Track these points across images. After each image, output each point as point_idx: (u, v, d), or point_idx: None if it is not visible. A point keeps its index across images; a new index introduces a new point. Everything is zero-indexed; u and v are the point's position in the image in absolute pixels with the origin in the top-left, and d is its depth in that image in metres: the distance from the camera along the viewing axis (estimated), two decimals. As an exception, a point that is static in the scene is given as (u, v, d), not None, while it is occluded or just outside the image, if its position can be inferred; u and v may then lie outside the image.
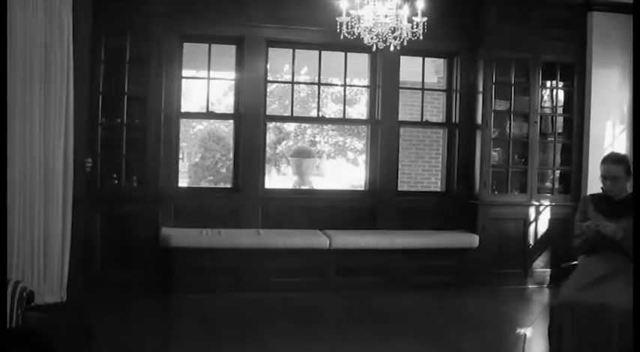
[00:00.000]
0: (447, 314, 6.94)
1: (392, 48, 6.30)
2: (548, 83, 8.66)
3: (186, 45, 7.77)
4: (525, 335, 4.51)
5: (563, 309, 4.59)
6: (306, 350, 5.62)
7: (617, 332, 4.34)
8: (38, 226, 5.69)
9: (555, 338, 4.66)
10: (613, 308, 4.37)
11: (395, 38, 6.18)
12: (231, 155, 8.33)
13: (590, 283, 4.64)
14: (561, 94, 8.75)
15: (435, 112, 11.45)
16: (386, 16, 6.07)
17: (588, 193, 5.86)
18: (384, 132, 8.25)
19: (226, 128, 15.97)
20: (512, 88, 8.35)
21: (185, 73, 8.07)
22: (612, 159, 4.81)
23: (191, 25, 7.58)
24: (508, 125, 8.37)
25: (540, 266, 8.35)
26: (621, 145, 8.34)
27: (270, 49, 8.07)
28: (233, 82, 8.22)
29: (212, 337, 5.64)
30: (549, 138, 8.66)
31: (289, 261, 7.43)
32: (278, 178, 17.57)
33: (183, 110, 8.02)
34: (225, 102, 15.31)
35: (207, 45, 7.90)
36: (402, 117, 8.68)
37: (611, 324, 4.36)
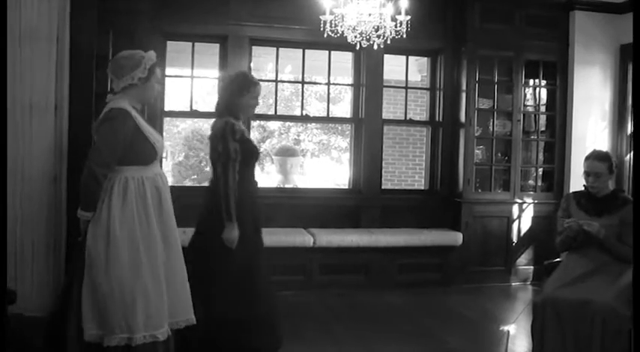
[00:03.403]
0: (430, 312, 6.95)
1: (375, 46, 6.32)
2: (531, 81, 8.70)
3: (169, 43, 7.74)
4: (509, 332, 4.54)
5: (546, 306, 4.63)
6: (290, 349, 5.60)
7: (600, 328, 4.38)
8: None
9: (538, 335, 4.70)
10: (595, 305, 4.41)
11: (378, 36, 6.20)
12: (215, 154, 8.30)
13: (572, 280, 4.68)
14: (544, 92, 8.80)
15: (419, 111, 11.49)
16: (369, 15, 6.08)
17: (571, 191, 5.89)
18: (367, 131, 8.26)
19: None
20: (496, 86, 8.39)
21: (168, 71, 8.03)
22: (595, 156, 4.86)
23: (174, 24, 7.55)
24: (491, 123, 8.41)
25: (523, 264, 8.40)
26: (603, 143, 8.40)
27: (253, 47, 8.05)
28: (217, 81, 8.20)
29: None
30: (532, 136, 8.71)
31: (273, 260, 7.38)
32: (262, 177, 17.55)
33: (166, 109, 7.98)
34: (208, 101, 15.25)
35: (190, 43, 7.88)
36: (385, 115, 8.70)
37: (594, 321, 4.40)
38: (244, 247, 4.86)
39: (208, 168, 15.90)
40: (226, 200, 4.74)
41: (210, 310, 4.68)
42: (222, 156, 4.76)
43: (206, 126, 16.36)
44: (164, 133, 7.84)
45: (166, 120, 8.95)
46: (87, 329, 4.02)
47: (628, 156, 8.42)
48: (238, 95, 4.93)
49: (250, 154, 4.95)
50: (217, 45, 7.96)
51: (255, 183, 5.13)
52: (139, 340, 4.04)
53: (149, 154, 4.27)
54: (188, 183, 15.98)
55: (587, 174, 4.87)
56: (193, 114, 9.27)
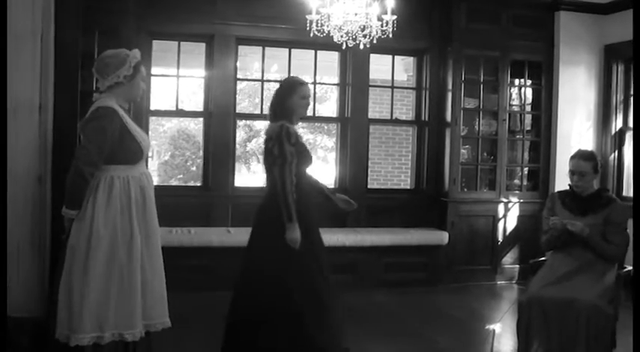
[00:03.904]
0: (417, 311, 6.97)
1: (362, 46, 6.33)
2: (517, 81, 8.74)
3: (155, 42, 7.72)
4: (494, 330, 4.56)
5: (532, 305, 4.65)
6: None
7: (584, 326, 4.41)
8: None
9: (524, 334, 4.73)
10: (580, 303, 4.44)
11: (364, 36, 6.20)
12: (201, 153, 8.29)
13: (557, 279, 4.72)
14: (529, 92, 8.84)
15: (405, 110, 11.51)
16: (356, 14, 6.09)
17: (556, 190, 5.92)
18: (353, 130, 8.27)
19: (196, 126, 15.89)
20: (481, 86, 8.41)
21: (154, 70, 8.01)
22: (580, 156, 4.89)
23: (160, 23, 7.53)
24: (477, 123, 8.43)
25: (509, 263, 8.43)
26: (588, 142, 8.45)
27: (240, 46, 8.05)
28: (203, 80, 8.19)
29: (181, 336, 5.60)
30: (518, 136, 8.74)
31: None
32: (248, 176, 17.52)
33: (152, 108, 7.96)
34: (195, 100, 15.22)
35: (176, 42, 7.86)
36: (371, 115, 8.71)
37: (579, 319, 4.43)
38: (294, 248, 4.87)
39: (194, 168, 15.89)
40: (285, 202, 4.77)
41: (267, 309, 4.76)
42: (278, 159, 4.80)
43: (192, 125, 16.35)
44: (150, 132, 7.80)
45: (152, 119, 8.92)
46: (59, 327, 4.04)
47: (612, 155, 8.47)
48: (287, 97, 4.98)
49: (304, 158, 5.02)
50: (203, 44, 7.95)
51: (308, 185, 5.17)
52: (108, 339, 4.05)
53: (135, 154, 4.27)
54: (174, 183, 15.94)
55: (572, 173, 4.89)
56: (179, 113, 9.28)
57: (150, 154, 4.70)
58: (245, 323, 4.82)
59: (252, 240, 5.12)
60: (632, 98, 7.01)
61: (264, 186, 5.26)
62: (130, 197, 4.20)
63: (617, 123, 8.48)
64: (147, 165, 4.62)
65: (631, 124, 8.45)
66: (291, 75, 6.08)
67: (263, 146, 5.10)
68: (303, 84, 5.07)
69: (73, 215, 4.13)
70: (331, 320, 4.91)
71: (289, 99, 4.96)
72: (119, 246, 4.12)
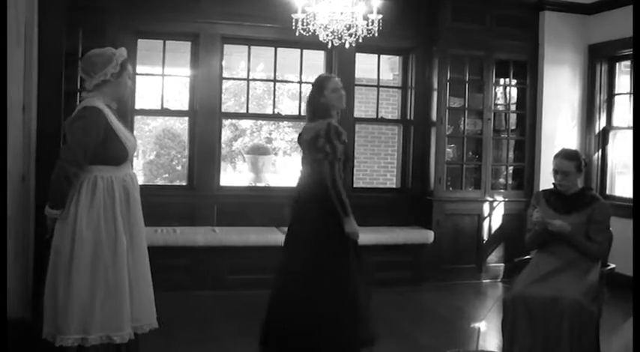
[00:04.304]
0: (402, 310, 6.98)
1: (347, 45, 6.33)
2: (502, 80, 8.78)
3: (140, 41, 7.69)
4: (479, 328, 4.56)
5: (516, 302, 4.68)
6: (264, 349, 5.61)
7: (568, 324, 4.43)
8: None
9: (508, 332, 4.75)
10: (564, 301, 4.46)
11: (350, 35, 6.21)
12: (187, 152, 8.27)
13: (541, 277, 4.74)
14: (514, 91, 8.87)
15: (391, 109, 11.53)
16: (341, 13, 6.09)
17: (541, 188, 5.96)
18: (339, 129, 8.27)
19: (181, 125, 15.85)
20: (467, 85, 8.44)
21: (139, 69, 7.99)
22: (564, 155, 4.92)
23: (145, 21, 7.51)
24: (462, 122, 8.46)
25: (494, 261, 8.46)
26: (572, 141, 8.50)
27: (225, 45, 8.03)
28: (188, 79, 8.17)
29: (167, 336, 5.58)
30: (503, 135, 8.78)
31: (245, 259, 7.41)
32: (234, 175, 17.50)
33: (137, 107, 7.94)
34: (180, 100, 15.20)
35: (161, 41, 7.84)
36: (357, 114, 8.72)
37: (563, 316, 4.45)
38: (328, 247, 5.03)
39: (180, 167, 15.84)
40: (339, 197, 4.93)
41: (313, 306, 4.91)
42: (329, 156, 4.91)
43: (177, 124, 16.30)
44: (135, 132, 7.78)
45: (137, 118, 8.90)
46: (45, 327, 4.05)
47: (596, 154, 8.52)
48: (320, 94, 5.11)
49: (347, 156, 5.15)
50: (189, 43, 7.93)
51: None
52: (93, 341, 4.04)
53: (120, 155, 4.25)
54: (159, 182, 15.89)
55: (555, 172, 4.92)
56: (164, 112, 9.25)
57: (134, 154, 4.69)
58: (285, 321, 5.00)
59: (293, 236, 5.27)
60: (632, 98, 7.04)
61: (299, 183, 5.28)
62: (113, 198, 4.18)
63: (601, 123, 8.54)
64: (132, 166, 4.60)
65: (614, 123, 8.51)
66: (322, 73, 6.19)
67: (306, 143, 5.15)
68: (330, 78, 5.24)
69: (57, 215, 4.12)
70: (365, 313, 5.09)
71: (322, 96, 5.09)
72: (103, 247, 4.10)
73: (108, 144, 4.17)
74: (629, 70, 8.43)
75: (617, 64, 8.56)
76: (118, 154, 4.25)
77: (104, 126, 4.16)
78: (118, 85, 4.35)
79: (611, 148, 8.54)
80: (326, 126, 4.96)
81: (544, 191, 5.16)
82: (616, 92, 8.55)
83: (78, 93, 6.92)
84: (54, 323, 4.03)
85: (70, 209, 4.10)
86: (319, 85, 5.16)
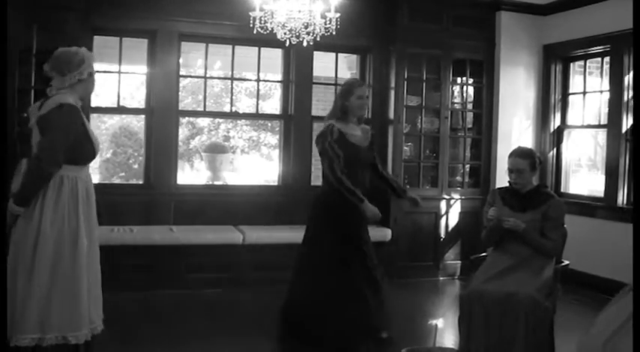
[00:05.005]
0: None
1: (305, 43, 6.33)
2: (459, 79, 8.86)
3: (96, 38, 7.59)
4: (437, 325, 4.60)
5: (473, 299, 4.72)
6: (223, 346, 5.60)
7: (524, 319, 4.49)
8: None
9: (465, 328, 4.79)
10: (519, 296, 4.52)
11: (308, 33, 6.20)
12: (143, 151, 8.20)
13: (497, 274, 4.80)
14: (471, 90, 8.96)
15: (349, 108, 11.53)
16: (299, 12, 6.08)
17: (497, 186, 6.02)
18: (297, 127, 8.28)
19: (138, 123, 15.68)
20: (424, 84, 8.49)
21: (96, 66, 7.85)
22: (518, 153, 4.98)
23: (102, 18, 7.41)
24: (420, 120, 8.52)
25: (451, 259, 8.53)
26: (527, 140, 8.61)
27: (183, 43, 7.97)
28: (145, 77, 8.09)
29: (126, 335, 5.54)
30: (459, 133, 8.85)
31: (203, 258, 7.37)
32: (191, 174, 17.38)
33: (93, 105, 7.84)
34: (137, 97, 15.06)
35: (118, 38, 7.75)
36: (315, 112, 8.71)
37: (518, 312, 4.50)
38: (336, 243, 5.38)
39: (136, 166, 15.70)
40: (344, 188, 5.21)
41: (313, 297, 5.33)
42: (324, 155, 5.28)
43: (134, 122, 16.14)
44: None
45: (93, 116, 8.79)
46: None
47: (551, 152, 8.64)
48: (345, 98, 5.40)
49: (350, 156, 5.33)
50: (146, 40, 7.85)
51: (364, 186, 5.52)
52: (50, 341, 4.01)
53: (89, 155, 4.28)
54: (116, 181, 15.72)
55: (510, 170, 4.98)
56: (121, 110, 9.15)
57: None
58: (304, 309, 5.39)
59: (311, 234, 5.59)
60: (632, 98, 7.14)
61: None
62: (77, 198, 4.17)
63: (556, 122, 8.67)
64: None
65: (569, 122, 8.65)
66: (352, 77, 6.34)
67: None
68: (361, 85, 5.52)
69: (20, 212, 4.07)
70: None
71: (347, 100, 5.38)
72: (65, 247, 4.08)
73: (80, 144, 4.17)
74: (582, 70, 8.56)
75: (572, 64, 8.70)
76: (87, 154, 4.27)
77: (80, 125, 4.15)
78: (88, 84, 4.37)
79: (565, 146, 8.67)
80: (324, 128, 5.34)
81: (500, 189, 5.22)
82: (570, 92, 8.69)
83: (32, 91, 6.83)
84: (10, 322, 3.97)
85: (35, 208, 4.06)
86: (350, 88, 5.44)
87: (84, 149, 4.21)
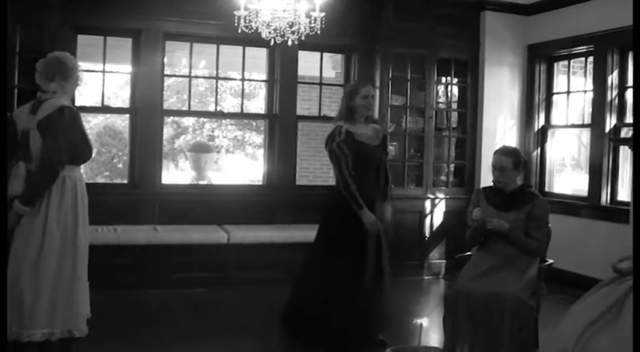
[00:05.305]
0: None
1: (290, 42, 6.33)
2: (443, 79, 8.87)
3: (80, 37, 7.55)
4: (422, 324, 4.61)
5: (458, 298, 4.74)
6: (207, 346, 5.59)
7: (509, 319, 4.51)
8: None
9: (450, 327, 4.81)
10: (504, 295, 4.54)
11: (293, 33, 6.20)
12: (128, 150, 8.17)
13: (482, 273, 4.81)
14: (456, 90, 8.98)
15: (333, 107, 11.48)
16: (284, 11, 6.08)
17: (481, 186, 6.04)
18: (282, 127, 8.27)
19: (123, 122, 15.63)
20: (409, 83, 8.51)
21: (80, 65, 7.84)
22: (502, 151, 5.01)
23: (86, 17, 7.37)
24: (404, 120, 8.53)
25: (436, 258, 8.55)
26: (512, 139, 8.65)
27: (167, 42, 7.94)
28: (129, 76, 8.05)
29: (110, 335, 5.52)
30: (444, 133, 8.87)
31: (188, 257, 7.34)
32: (176, 173, 17.34)
33: (77, 104, 7.78)
34: (121, 96, 15.00)
35: (102, 37, 7.71)
36: (300, 111, 8.72)
37: (503, 311, 4.52)
38: (344, 245, 5.47)
39: (121, 165, 15.65)
40: (349, 193, 5.31)
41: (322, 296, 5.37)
42: (332, 156, 5.42)
43: (119, 121, 16.08)
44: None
45: (77, 115, 8.72)
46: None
47: (535, 152, 8.68)
48: (351, 99, 5.48)
49: (359, 155, 5.39)
50: (130, 39, 7.82)
51: (374, 184, 5.63)
52: (58, 335, 4.17)
53: (86, 155, 4.52)
54: (100, 180, 15.66)
55: (493, 168, 5.00)
56: (105, 109, 9.11)
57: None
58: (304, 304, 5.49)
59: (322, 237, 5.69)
60: (632, 98, 7.17)
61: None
62: (76, 198, 4.33)
63: (540, 121, 8.71)
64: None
65: (553, 122, 8.69)
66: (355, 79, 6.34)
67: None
68: (365, 85, 5.59)
69: (26, 212, 4.18)
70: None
71: (352, 101, 5.45)
72: (68, 245, 4.23)
73: (79, 145, 4.33)
74: (566, 69, 8.60)
75: (556, 63, 8.74)
76: (85, 155, 4.45)
77: (79, 127, 4.33)
78: (75, 87, 4.57)
79: (549, 146, 8.71)
80: (333, 129, 5.46)
81: (484, 188, 5.24)
82: (554, 91, 8.73)
83: (16, 90, 6.80)
84: (18, 319, 4.07)
85: (41, 207, 4.19)
86: (354, 89, 5.52)
87: (83, 149, 4.37)
